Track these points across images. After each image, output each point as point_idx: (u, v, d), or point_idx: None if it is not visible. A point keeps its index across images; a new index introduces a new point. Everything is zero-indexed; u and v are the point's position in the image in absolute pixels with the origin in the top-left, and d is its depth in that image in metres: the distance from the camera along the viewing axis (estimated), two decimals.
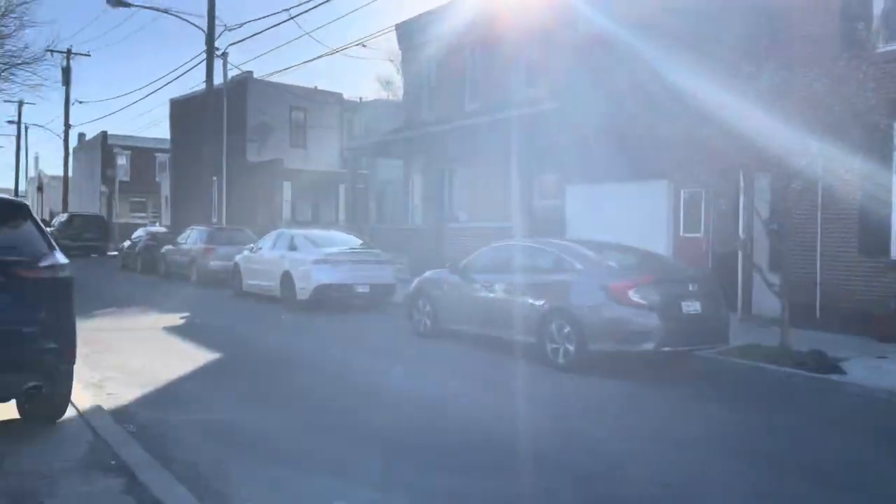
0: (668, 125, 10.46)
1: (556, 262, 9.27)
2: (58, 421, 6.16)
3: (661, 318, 8.29)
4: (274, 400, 7.52)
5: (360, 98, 36.05)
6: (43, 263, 5.56)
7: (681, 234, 14.21)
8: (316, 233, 16.14)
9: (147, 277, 22.76)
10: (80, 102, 51.05)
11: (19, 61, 29.38)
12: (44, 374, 5.55)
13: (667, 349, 8.40)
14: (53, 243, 5.84)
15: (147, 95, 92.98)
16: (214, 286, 19.34)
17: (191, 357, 9.62)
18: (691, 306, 8.50)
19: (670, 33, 13.84)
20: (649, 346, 8.26)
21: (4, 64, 29.24)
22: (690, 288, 8.64)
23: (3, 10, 27.38)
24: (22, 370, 5.41)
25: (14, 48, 28.79)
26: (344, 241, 15.70)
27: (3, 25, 27.86)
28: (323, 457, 5.73)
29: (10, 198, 6.38)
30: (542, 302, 9.12)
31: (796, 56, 11.18)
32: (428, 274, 11.77)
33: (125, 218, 47.53)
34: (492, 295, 9.97)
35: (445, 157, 21.01)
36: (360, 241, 15.88)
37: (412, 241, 20.98)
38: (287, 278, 14.72)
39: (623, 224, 14.57)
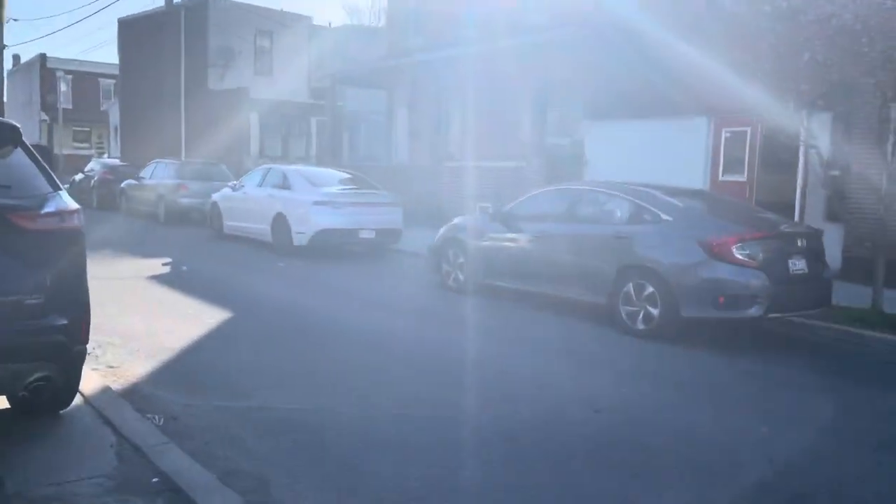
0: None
1: (633, 212, 7.91)
2: (62, 412, 4.66)
3: (770, 279, 7.07)
4: (322, 378, 6.08)
5: (330, 23, 33.62)
6: (46, 209, 3.96)
7: (720, 178, 13.00)
8: (311, 170, 14.41)
9: (105, 214, 20.65)
10: (16, 20, 46.68)
11: None
12: (53, 360, 4.00)
13: (775, 315, 7.22)
14: (57, 181, 4.21)
15: (92, 14, 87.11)
16: (185, 225, 17.54)
17: (193, 316, 8.05)
18: (798, 265, 7.30)
19: None
20: (756, 311, 7.05)
21: None
22: (799, 244, 7.42)
23: None
24: (25, 357, 3.86)
25: None
26: (343, 179, 14.05)
27: None
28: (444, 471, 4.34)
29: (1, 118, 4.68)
30: (615, 257, 7.81)
31: None
32: (458, 220, 10.31)
33: (68, 149, 44.30)
34: (545, 246, 8.60)
35: (439, 89, 19.28)
36: (363, 181, 14.24)
37: (397, 182, 19.34)
38: (280, 221, 13.07)
39: (652, 165, 13.26)
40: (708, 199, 8.43)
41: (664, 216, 7.63)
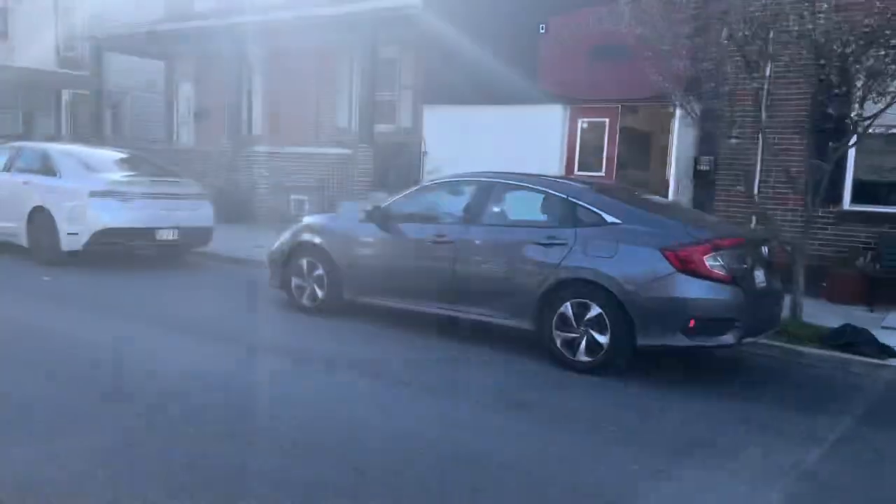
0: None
1: (565, 211, 6.22)
2: None
3: (745, 296, 5.76)
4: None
5: None
6: None
7: (575, 172, 11.89)
8: (85, 150, 10.99)
9: None
10: None
11: None
12: None
13: (749, 340, 5.94)
14: None
15: None
16: None
17: None
18: (760, 277, 6.09)
19: None
20: (730, 338, 5.69)
21: None
22: (762, 251, 6.22)
23: None
24: None
25: None
26: (129, 163, 10.90)
27: None
28: None
29: None
30: (544, 269, 6.09)
31: None
32: (313, 220, 7.98)
33: None
34: (443, 255, 6.65)
35: (239, 62, 16.38)
36: (157, 166, 11.19)
37: (183, 169, 16.18)
38: (41, 219, 9.72)
39: (501, 158, 11.85)
40: (636, 196, 7.01)
41: (608, 217, 6.03)
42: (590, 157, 11.77)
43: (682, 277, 5.62)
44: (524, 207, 6.61)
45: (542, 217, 6.43)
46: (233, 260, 10.92)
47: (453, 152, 12.63)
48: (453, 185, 7.14)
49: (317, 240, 7.55)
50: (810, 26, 6.86)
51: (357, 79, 16.62)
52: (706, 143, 10.58)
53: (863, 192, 9.73)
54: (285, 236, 7.98)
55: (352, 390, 5.23)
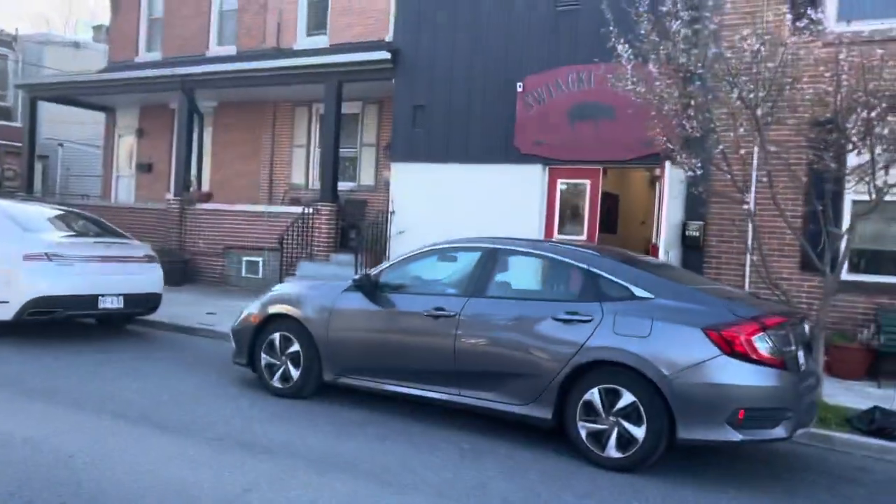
0: None
1: (587, 283, 5.50)
2: None
3: (795, 381, 5.11)
4: None
5: (17, 30, 27.14)
6: None
7: (554, 235, 11.29)
8: (15, 206, 9.80)
9: None
10: None
11: None
12: None
13: (801, 431, 5.26)
14: None
15: None
16: None
17: None
18: (801, 359, 5.45)
19: None
20: (782, 431, 4.99)
21: None
22: (804, 330, 5.60)
23: None
24: None
25: None
26: (68, 221, 9.78)
27: None
28: None
29: None
30: (565, 349, 5.32)
31: None
32: (287, 289, 7.06)
33: None
34: (444, 330, 5.83)
35: (186, 114, 15.42)
36: (101, 224, 10.09)
37: (119, 228, 14.97)
38: None
39: (476, 218, 11.27)
40: (659, 265, 6.37)
41: (638, 290, 5.33)
42: (571, 220, 11.21)
43: (729, 361, 4.92)
44: (536, 278, 5.89)
45: (559, 289, 5.72)
46: (182, 329, 9.84)
47: (424, 212, 11.93)
48: (453, 252, 6.36)
49: (292, 311, 6.63)
50: (830, 88, 6.46)
51: (316, 133, 15.91)
52: (695, 206, 10.15)
53: (860, 261, 9.38)
54: (253, 306, 7.03)
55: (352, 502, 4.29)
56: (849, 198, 8.99)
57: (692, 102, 7.14)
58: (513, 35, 11.54)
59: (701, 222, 10.07)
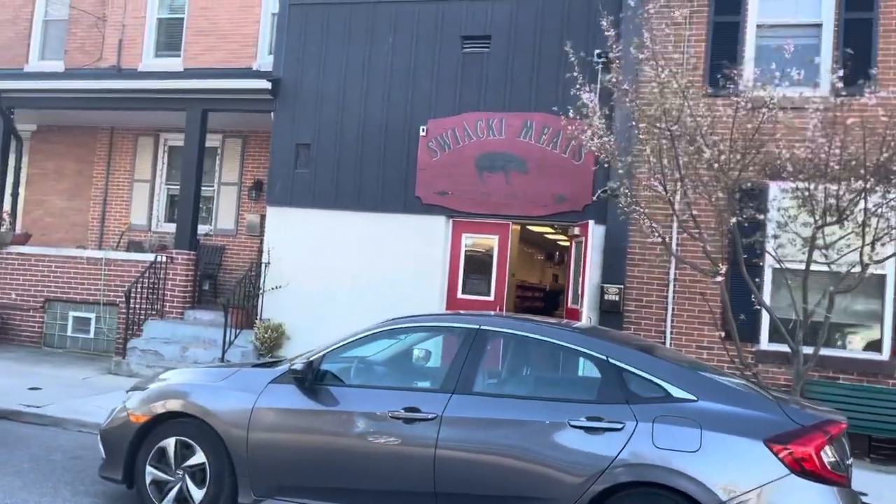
0: None
1: (605, 379, 4.37)
2: None
3: (854, 502, 4.29)
4: None
5: None
6: None
7: (459, 295, 10.17)
8: None
9: None
10: None
11: None
12: None
13: None
14: None
15: None
16: None
17: None
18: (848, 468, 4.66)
19: None
20: None
21: None
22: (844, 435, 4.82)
23: None
24: None
25: None
26: None
27: None
28: None
29: None
30: (589, 466, 4.14)
31: None
32: (183, 377, 5.29)
33: None
34: (418, 438, 4.44)
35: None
36: None
37: None
38: None
39: (370, 273, 10.02)
40: (668, 352, 5.39)
41: (675, 390, 4.29)
42: (477, 279, 10.16)
43: (800, 483, 3.99)
44: (542, 370, 4.69)
45: (574, 386, 4.55)
46: (0, 414, 7.53)
47: (306, 265, 10.39)
48: (426, 332, 5.00)
49: (192, 408, 4.91)
50: (823, 155, 5.97)
51: (164, 167, 13.82)
52: (613, 269, 9.50)
53: (779, 330, 9.11)
54: (132, 400, 5.21)
55: None
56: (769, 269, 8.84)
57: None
58: (415, 73, 10.46)
59: (620, 285, 9.42)
